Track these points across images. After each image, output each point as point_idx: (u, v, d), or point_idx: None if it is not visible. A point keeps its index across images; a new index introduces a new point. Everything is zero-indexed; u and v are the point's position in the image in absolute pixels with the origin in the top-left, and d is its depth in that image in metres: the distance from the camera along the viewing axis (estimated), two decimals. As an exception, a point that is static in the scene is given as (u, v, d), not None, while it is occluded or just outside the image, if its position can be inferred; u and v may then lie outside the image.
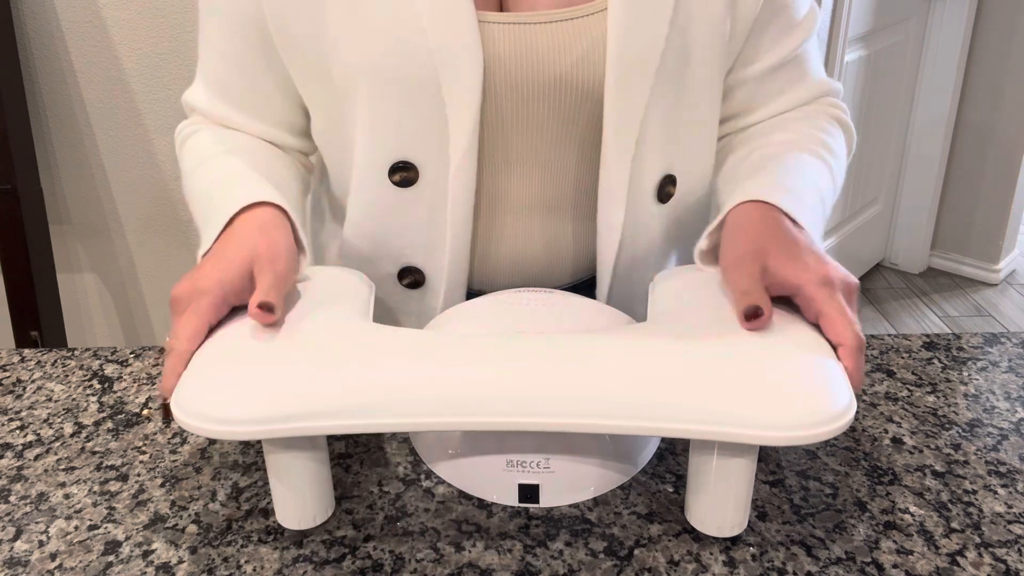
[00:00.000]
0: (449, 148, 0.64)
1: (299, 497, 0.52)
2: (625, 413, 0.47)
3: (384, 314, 0.77)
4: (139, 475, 0.58)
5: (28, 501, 0.56)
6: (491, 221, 0.71)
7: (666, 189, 0.70)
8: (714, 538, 0.52)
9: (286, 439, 0.50)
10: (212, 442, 0.61)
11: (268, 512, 0.54)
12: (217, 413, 0.47)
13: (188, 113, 0.74)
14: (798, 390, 0.48)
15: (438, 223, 0.69)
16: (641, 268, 0.74)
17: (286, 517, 0.53)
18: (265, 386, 0.48)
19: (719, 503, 0.51)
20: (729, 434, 0.47)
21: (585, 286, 0.76)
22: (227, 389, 0.48)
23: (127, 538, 0.53)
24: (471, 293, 0.74)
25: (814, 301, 0.52)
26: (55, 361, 0.72)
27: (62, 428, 0.63)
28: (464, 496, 0.55)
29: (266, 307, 0.51)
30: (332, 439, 0.61)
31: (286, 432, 0.47)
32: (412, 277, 0.72)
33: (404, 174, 0.67)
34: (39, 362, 0.72)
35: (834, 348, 0.51)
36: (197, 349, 0.52)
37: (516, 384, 0.49)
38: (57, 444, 0.62)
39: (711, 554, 0.51)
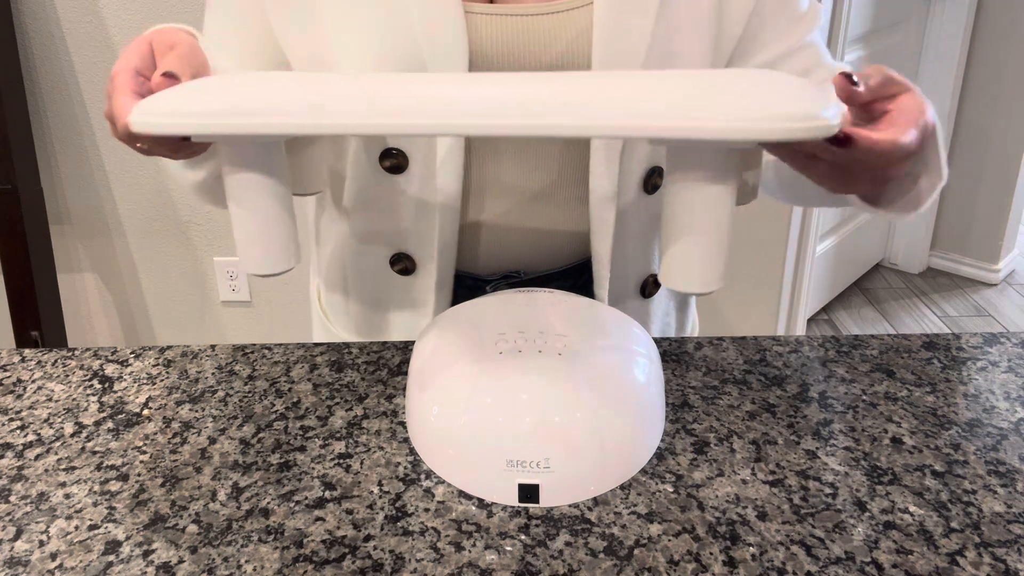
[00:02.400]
0: (436, 136, 0.66)
1: (260, 238, 0.54)
2: (579, 114, 0.47)
3: (377, 303, 0.78)
4: (139, 475, 0.58)
5: (28, 501, 0.56)
6: (480, 208, 0.72)
7: (653, 180, 0.71)
8: (714, 538, 0.52)
9: (246, 174, 0.52)
10: (212, 442, 0.61)
11: (268, 512, 0.55)
12: (166, 109, 0.49)
13: None
14: (776, 93, 0.48)
15: (427, 210, 0.70)
16: (634, 258, 0.76)
17: (248, 262, 0.54)
18: (214, 94, 0.50)
19: (694, 251, 0.51)
20: (682, 128, 0.45)
21: (575, 271, 0.77)
22: (176, 99, 0.50)
23: (127, 538, 0.53)
24: (461, 277, 0.75)
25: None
26: (55, 361, 0.72)
27: (62, 428, 0.63)
28: (464, 496, 0.55)
29: (168, 75, 0.53)
30: (332, 437, 0.61)
31: (234, 127, 0.48)
32: (403, 264, 0.74)
33: (394, 161, 0.69)
34: (39, 362, 0.72)
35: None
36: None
37: (471, 92, 0.49)
38: (57, 444, 0.62)
39: (711, 554, 0.51)
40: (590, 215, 0.71)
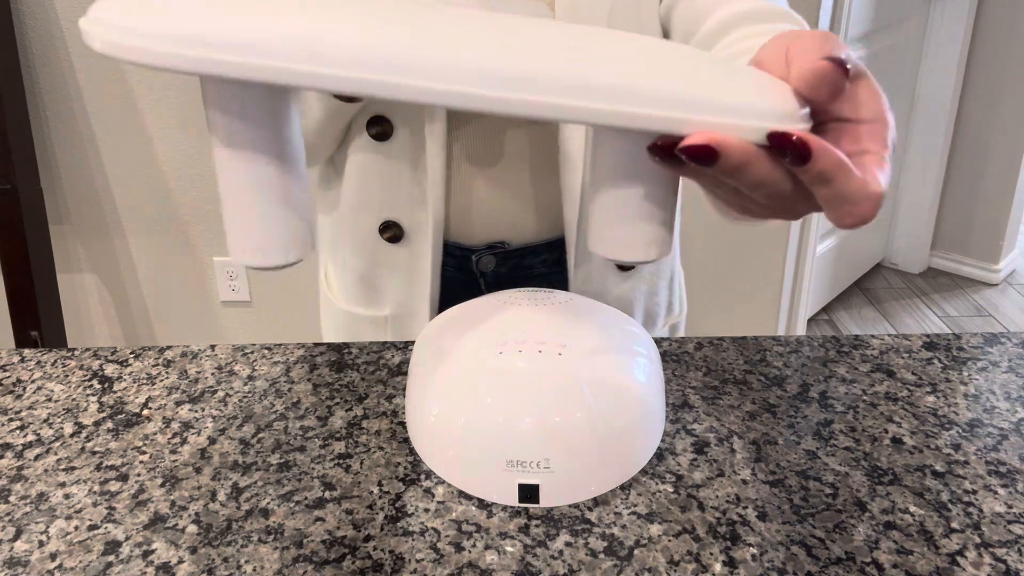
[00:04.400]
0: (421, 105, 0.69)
1: (252, 217, 0.40)
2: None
3: (372, 271, 0.80)
4: (139, 475, 0.58)
5: (28, 501, 0.56)
6: (459, 174, 0.74)
7: None
8: (714, 538, 0.52)
9: (234, 123, 0.39)
10: (212, 442, 0.61)
11: (268, 512, 0.55)
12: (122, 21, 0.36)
13: None
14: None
15: (413, 177, 0.72)
16: None
17: (236, 249, 0.41)
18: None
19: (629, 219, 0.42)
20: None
21: (560, 244, 0.78)
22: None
23: (127, 538, 0.53)
24: (447, 246, 0.76)
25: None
26: (55, 361, 0.72)
27: (62, 428, 0.63)
28: (464, 496, 0.55)
29: None
30: (332, 437, 0.61)
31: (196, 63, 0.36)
32: (392, 231, 0.76)
33: (379, 128, 0.71)
34: (39, 362, 0.72)
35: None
36: None
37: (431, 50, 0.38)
38: (57, 444, 0.62)
39: (711, 554, 0.51)
40: (560, 184, 0.72)
